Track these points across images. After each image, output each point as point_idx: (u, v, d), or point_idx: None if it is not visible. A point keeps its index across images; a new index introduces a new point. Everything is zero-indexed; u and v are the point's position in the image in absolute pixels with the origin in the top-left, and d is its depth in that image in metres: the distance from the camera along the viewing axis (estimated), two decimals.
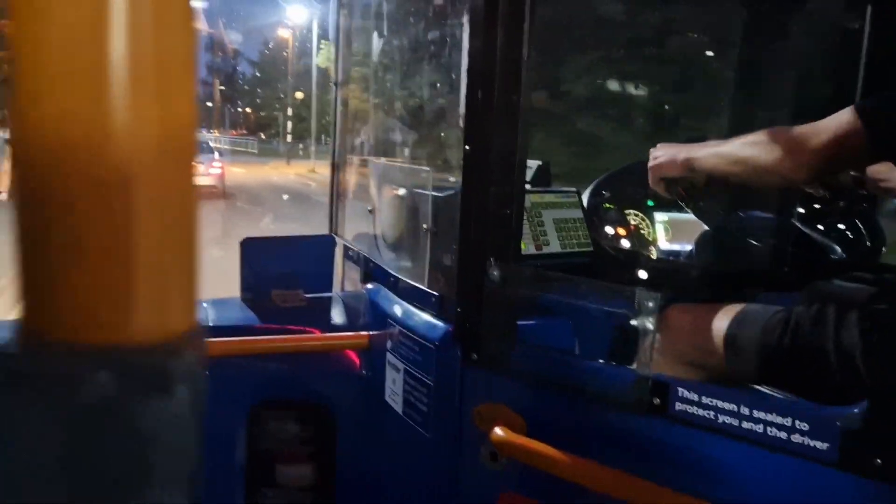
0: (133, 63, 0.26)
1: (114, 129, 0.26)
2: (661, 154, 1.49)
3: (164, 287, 0.26)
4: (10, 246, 0.25)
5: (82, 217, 0.26)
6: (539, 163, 1.81)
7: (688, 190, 1.49)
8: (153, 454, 0.25)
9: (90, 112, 0.26)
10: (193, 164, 0.28)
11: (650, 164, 1.52)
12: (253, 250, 1.75)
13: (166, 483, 0.26)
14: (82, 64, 0.26)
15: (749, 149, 1.30)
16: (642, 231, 1.78)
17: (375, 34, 1.80)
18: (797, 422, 0.85)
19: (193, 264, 0.28)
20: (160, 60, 0.27)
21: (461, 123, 1.19)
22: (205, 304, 1.72)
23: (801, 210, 1.63)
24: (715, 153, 1.38)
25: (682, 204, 1.54)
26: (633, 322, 0.97)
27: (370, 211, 1.66)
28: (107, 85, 0.25)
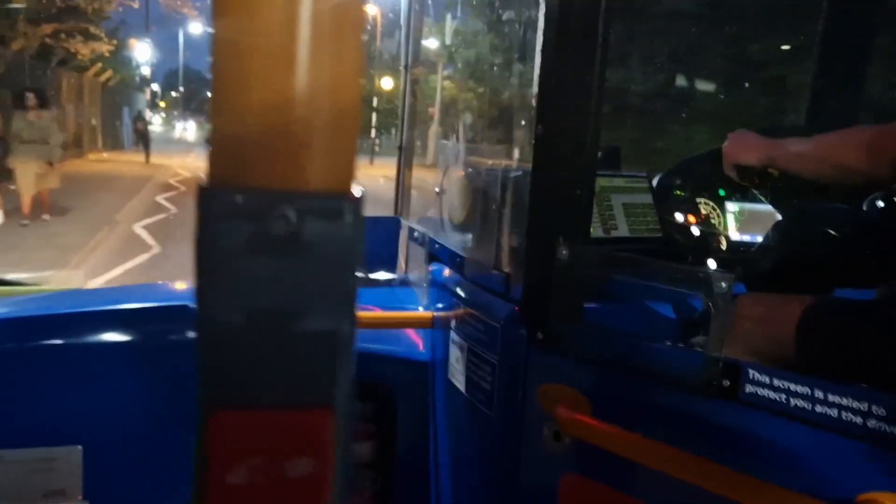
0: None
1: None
2: (739, 142, 1.47)
3: (332, 146, 0.33)
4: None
5: (271, 71, 0.33)
6: (608, 146, 1.79)
7: (761, 178, 1.46)
8: (326, 271, 0.32)
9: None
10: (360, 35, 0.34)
11: (725, 148, 1.49)
12: None
13: (334, 303, 0.33)
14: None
15: (830, 149, 1.29)
16: (713, 220, 1.74)
17: (448, 17, 1.81)
18: (874, 407, 0.82)
19: (355, 131, 0.34)
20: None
21: (534, 103, 1.19)
22: None
23: (881, 203, 1.58)
24: (796, 153, 1.37)
25: (756, 191, 1.51)
26: (707, 303, 0.96)
27: (438, 192, 1.68)
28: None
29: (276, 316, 0.32)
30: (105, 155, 24.20)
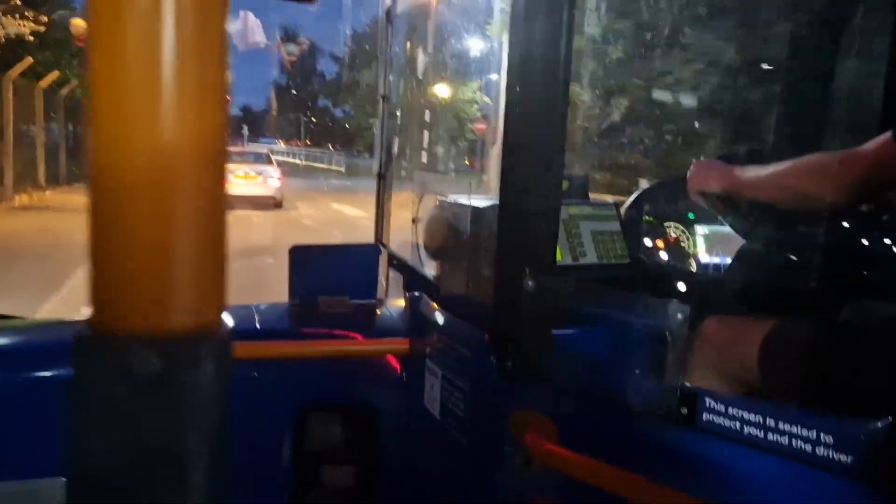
0: (177, 89, 0.34)
1: (162, 140, 0.34)
2: (702, 170, 1.52)
3: (198, 285, 0.36)
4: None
5: (136, 219, 0.35)
6: (577, 175, 1.83)
7: (725, 202, 1.50)
8: (188, 411, 0.35)
9: (146, 128, 0.34)
10: (224, 169, 0.37)
11: (690, 176, 1.54)
12: (302, 258, 1.81)
13: (200, 437, 0.36)
14: (141, 93, 0.34)
15: (788, 177, 1.33)
16: (682, 244, 1.78)
17: (421, 51, 1.86)
18: (822, 434, 0.86)
19: (222, 265, 0.37)
20: (198, 86, 0.35)
21: (500, 137, 1.23)
22: (255, 309, 1.79)
23: (845, 225, 1.62)
24: (754, 179, 1.41)
25: (720, 216, 1.55)
26: (664, 333, 0.99)
27: (413, 221, 1.72)
28: (158, 107, 0.34)
29: (143, 449, 0.35)
30: (48, 195, 17.02)
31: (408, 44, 1.96)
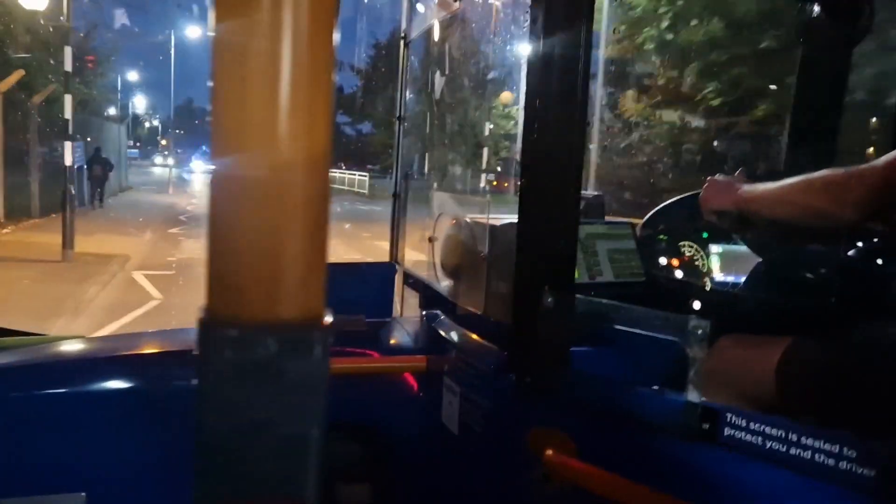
0: (291, 107, 0.38)
1: (277, 149, 0.38)
2: (714, 188, 1.53)
3: (306, 280, 0.40)
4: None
5: (252, 216, 0.39)
6: (594, 195, 1.85)
7: (739, 221, 1.51)
8: (297, 394, 0.39)
9: (263, 137, 0.38)
10: (328, 177, 0.41)
11: (702, 195, 1.55)
12: None
13: (309, 420, 0.40)
14: (261, 109, 0.38)
15: (800, 192, 1.33)
16: (696, 262, 1.80)
17: (438, 73, 1.89)
18: (845, 450, 0.86)
19: (324, 261, 0.41)
20: (309, 104, 0.39)
21: (518, 157, 1.25)
22: None
23: (859, 244, 1.63)
24: (766, 196, 1.41)
25: (734, 234, 1.56)
26: (684, 349, 1.00)
27: (430, 239, 1.73)
28: (276, 121, 0.38)
29: (259, 426, 0.39)
30: (6, 234, 12.77)
31: (431, 64, 1.99)
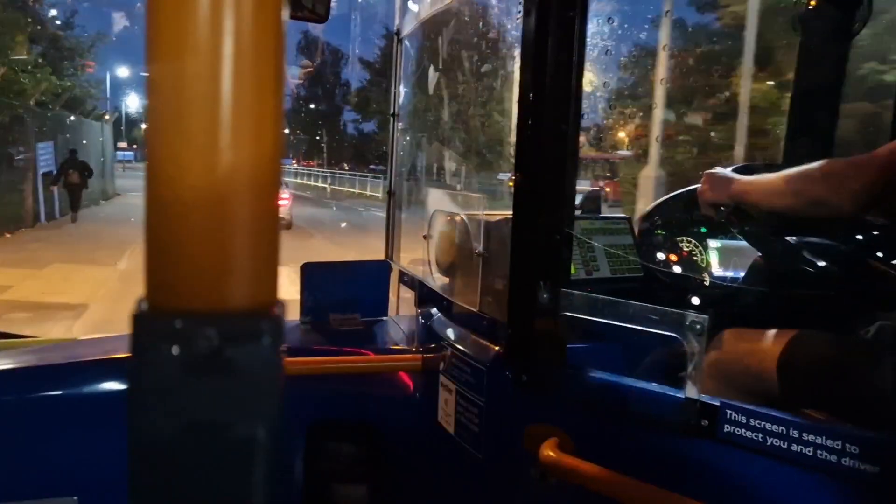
0: (234, 113, 0.35)
1: (222, 136, 0.35)
2: (711, 182, 1.51)
3: (253, 267, 0.37)
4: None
5: (191, 198, 0.36)
6: (590, 190, 1.84)
7: (737, 215, 1.50)
8: (246, 389, 0.36)
9: (208, 120, 0.35)
10: (279, 158, 0.38)
11: (699, 190, 1.54)
12: (312, 275, 1.82)
13: (258, 417, 0.36)
14: (199, 114, 0.35)
15: (799, 182, 1.32)
16: (694, 257, 1.78)
17: (431, 69, 1.87)
18: (848, 445, 0.85)
19: (276, 249, 0.38)
20: (256, 110, 0.36)
21: (512, 152, 1.23)
22: None
23: (859, 236, 1.62)
24: (764, 186, 1.40)
25: (732, 229, 1.55)
26: (682, 344, 0.99)
27: (424, 237, 1.72)
28: (216, 130, 0.35)
29: (201, 428, 0.35)
30: None
31: (432, 59, 1.97)
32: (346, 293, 1.86)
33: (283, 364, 0.37)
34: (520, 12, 1.18)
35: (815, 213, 1.39)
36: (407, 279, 1.86)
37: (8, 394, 1.40)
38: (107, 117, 24.07)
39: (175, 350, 0.34)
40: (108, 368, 1.47)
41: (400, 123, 2.06)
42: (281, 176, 0.38)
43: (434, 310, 1.61)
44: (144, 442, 0.35)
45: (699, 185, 1.56)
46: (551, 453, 1.11)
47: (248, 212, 0.36)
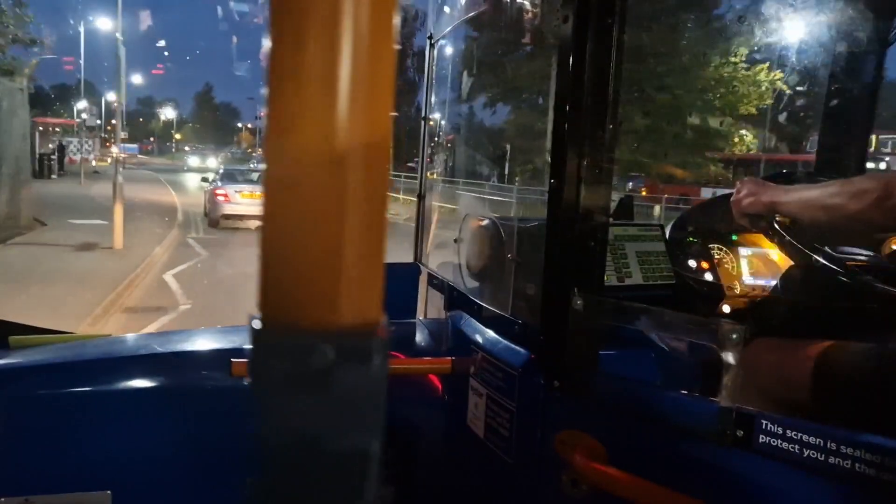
0: (350, 98, 0.36)
1: (334, 151, 0.36)
2: (746, 191, 1.51)
3: (364, 283, 0.38)
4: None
5: (308, 219, 0.37)
6: (622, 196, 1.83)
7: (771, 225, 1.49)
8: (355, 406, 0.37)
9: (320, 140, 0.36)
10: (388, 173, 0.39)
11: (734, 198, 1.53)
12: None
13: (364, 428, 0.38)
14: (317, 100, 0.36)
15: (836, 197, 1.33)
16: (726, 265, 1.77)
17: (465, 73, 1.88)
18: (887, 459, 0.84)
19: (382, 264, 0.39)
20: (369, 87, 0.37)
21: (547, 157, 1.23)
22: None
23: (894, 247, 1.60)
24: (800, 200, 1.41)
25: (767, 238, 1.54)
26: (717, 354, 0.98)
27: (455, 240, 1.72)
28: (333, 114, 0.36)
29: (315, 440, 0.37)
30: None
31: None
32: None
33: (387, 382, 0.38)
34: (557, 19, 1.18)
35: (852, 228, 1.39)
36: (436, 282, 1.87)
37: (44, 388, 1.43)
38: (24, 77, 15.61)
39: (291, 366, 0.36)
40: (143, 365, 1.50)
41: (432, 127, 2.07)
42: (388, 182, 0.39)
43: (464, 313, 1.61)
44: (264, 451, 0.37)
45: (733, 195, 1.55)
46: (583, 460, 1.11)
47: (360, 228, 0.37)
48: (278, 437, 0.36)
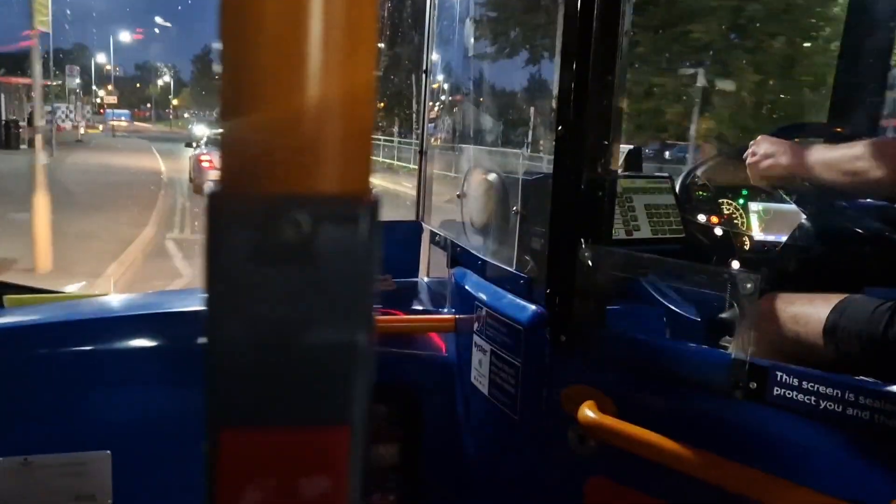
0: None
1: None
2: (763, 151, 1.46)
3: (347, 157, 0.33)
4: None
5: (281, 74, 0.32)
6: (631, 147, 1.79)
7: (790, 186, 1.45)
8: (341, 279, 0.31)
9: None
10: (375, 32, 0.34)
11: (750, 160, 1.48)
12: None
13: (350, 306, 0.31)
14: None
15: (858, 162, 1.28)
16: (736, 220, 1.73)
17: (468, 22, 1.82)
18: None
19: (368, 131, 0.33)
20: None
21: (554, 106, 1.19)
22: None
23: None
24: (821, 163, 1.36)
25: (783, 195, 1.50)
26: (729, 306, 0.95)
27: (459, 196, 1.69)
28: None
29: (289, 327, 0.31)
30: None
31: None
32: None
33: (380, 255, 0.33)
34: None
35: (872, 193, 1.36)
36: (438, 240, 1.83)
37: (42, 348, 1.41)
38: None
39: (258, 235, 0.30)
40: (143, 324, 1.47)
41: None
42: (376, 41, 0.34)
43: (468, 270, 1.58)
44: (219, 344, 0.31)
45: (749, 154, 1.50)
46: (591, 415, 1.09)
47: (338, 80, 0.32)
48: (238, 327, 0.31)
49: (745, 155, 1.52)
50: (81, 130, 33.38)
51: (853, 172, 1.29)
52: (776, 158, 1.44)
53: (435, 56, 2.00)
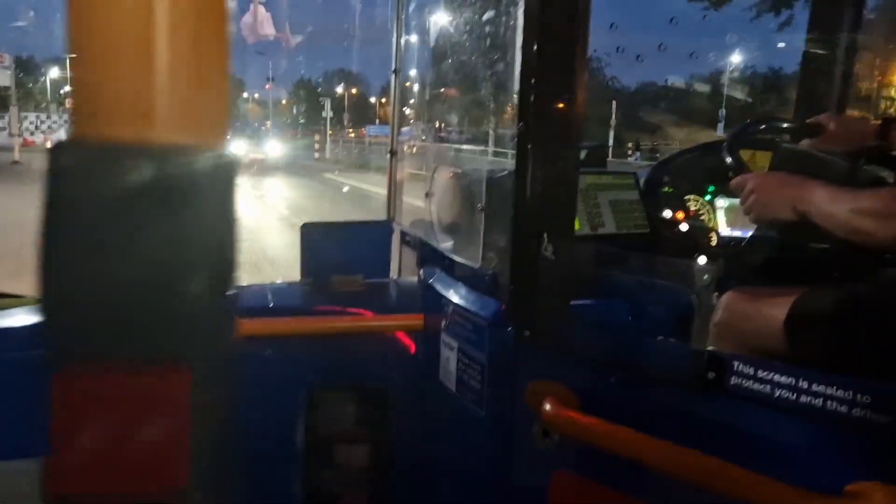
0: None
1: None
2: (762, 189, 1.36)
3: (195, 99, 0.32)
4: None
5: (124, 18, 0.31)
6: (595, 144, 1.80)
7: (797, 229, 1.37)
8: (191, 227, 0.30)
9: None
10: (225, 31, 0.33)
11: (750, 201, 1.36)
12: (313, 235, 1.78)
13: (200, 263, 0.31)
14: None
15: (866, 220, 1.20)
16: (702, 216, 1.74)
17: (433, 20, 1.82)
18: (859, 395, 0.82)
19: (223, 82, 0.33)
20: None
21: (515, 102, 1.19)
22: (267, 288, 1.77)
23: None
24: (828, 214, 1.26)
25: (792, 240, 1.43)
26: (689, 296, 0.96)
27: (426, 195, 1.68)
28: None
29: (127, 271, 0.30)
30: None
31: None
32: (348, 254, 1.83)
33: (233, 206, 0.32)
34: None
35: (881, 251, 1.26)
36: (409, 239, 1.83)
37: (21, 350, 1.38)
38: None
39: (103, 183, 0.29)
40: None
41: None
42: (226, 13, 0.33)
43: (436, 269, 1.58)
44: (59, 285, 0.30)
45: (751, 196, 1.35)
46: (553, 409, 1.09)
47: (189, 45, 0.31)
48: (73, 261, 0.30)
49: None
50: (17, 153, 22.25)
51: (857, 231, 1.21)
52: (769, 207, 1.34)
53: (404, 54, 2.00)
